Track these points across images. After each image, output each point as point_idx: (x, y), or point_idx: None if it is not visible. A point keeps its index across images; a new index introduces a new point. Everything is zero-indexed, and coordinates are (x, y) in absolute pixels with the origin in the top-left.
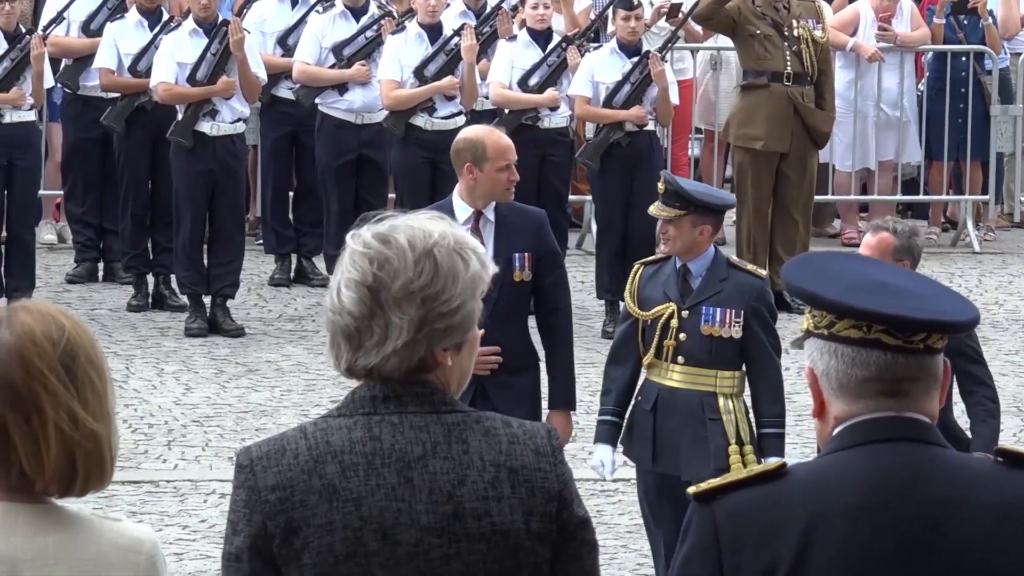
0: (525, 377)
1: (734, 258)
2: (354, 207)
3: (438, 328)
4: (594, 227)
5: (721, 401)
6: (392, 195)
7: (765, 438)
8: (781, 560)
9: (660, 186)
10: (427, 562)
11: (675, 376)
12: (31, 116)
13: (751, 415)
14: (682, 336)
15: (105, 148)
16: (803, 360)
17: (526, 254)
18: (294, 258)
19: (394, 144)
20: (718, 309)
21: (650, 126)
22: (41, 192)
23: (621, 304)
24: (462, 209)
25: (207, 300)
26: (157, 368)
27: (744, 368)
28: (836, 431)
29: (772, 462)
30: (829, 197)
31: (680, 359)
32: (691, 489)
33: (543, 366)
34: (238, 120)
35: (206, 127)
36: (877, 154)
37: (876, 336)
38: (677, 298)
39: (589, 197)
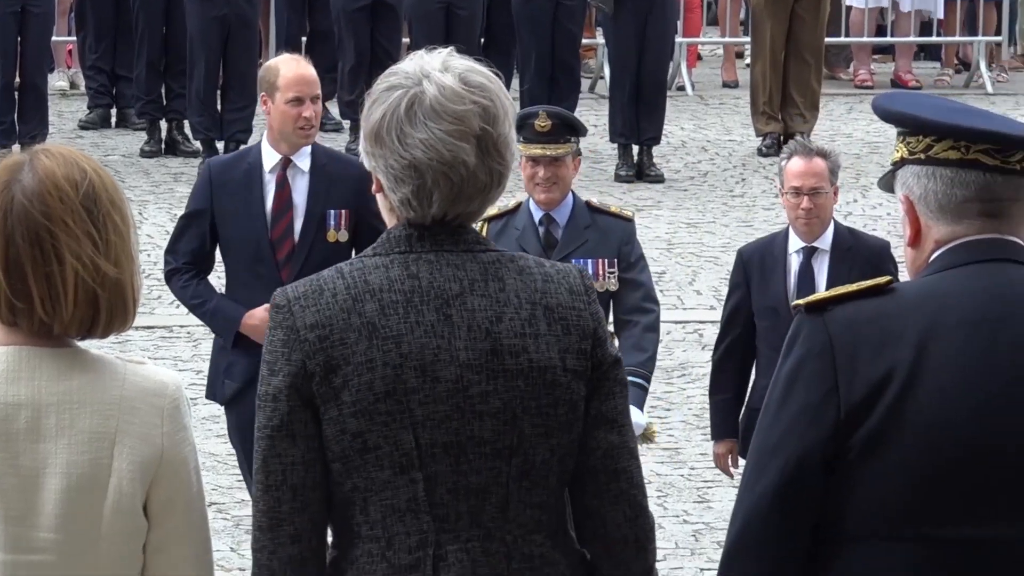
0: None
1: (594, 200)
2: (370, 52)
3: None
4: (607, 71)
5: None
6: (406, 40)
7: None
8: (897, 367)
9: (542, 123)
10: (466, 398)
11: None
12: None
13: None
14: None
15: None
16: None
17: (343, 211)
18: None
19: None
20: (589, 261)
21: None
22: (53, 39)
23: (634, 148)
24: (269, 155)
25: (220, 145)
26: (171, 214)
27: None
28: (937, 253)
29: (879, 278)
30: (843, 39)
31: None
32: (799, 301)
33: None
34: None
35: None
36: None
37: (975, 156)
38: (540, 253)
39: (601, 40)
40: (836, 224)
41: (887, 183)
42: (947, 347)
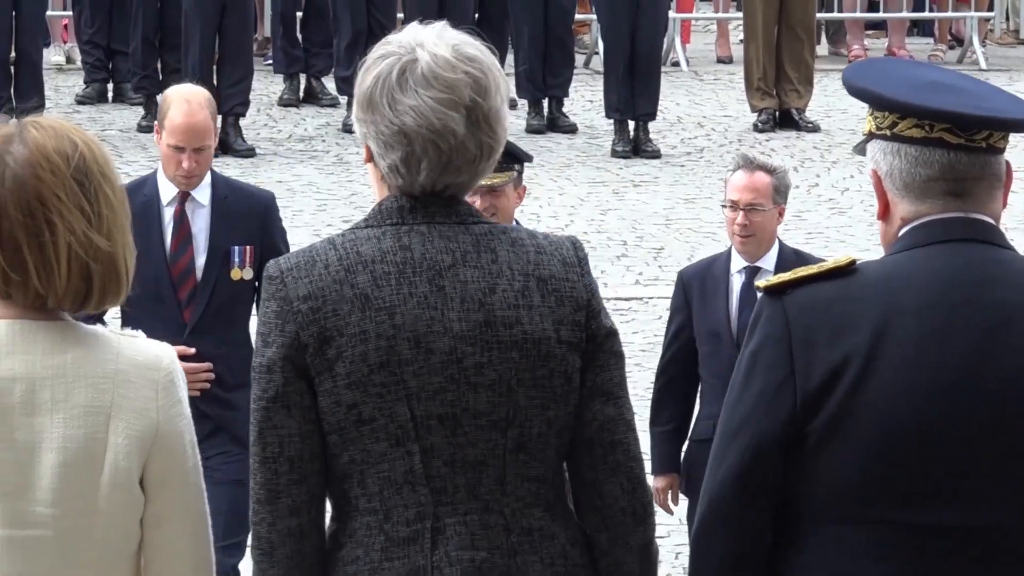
0: (248, 393)
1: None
2: (366, 28)
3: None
4: (600, 47)
5: None
6: (400, 15)
7: None
8: (854, 354)
9: None
10: (460, 370)
11: None
12: None
13: None
14: None
15: None
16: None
17: (247, 247)
18: (303, 78)
19: None
20: None
21: None
22: (48, 13)
23: (630, 124)
24: (165, 187)
25: (217, 120)
26: None
27: None
28: (903, 231)
29: (841, 257)
30: (836, 15)
31: None
32: (760, 283)
33: None
34: None
35: None
36: None
37: (939, 135)
38: None
39: (595, 16)
40: (781, 244)
41: (861, 149)
42: (903, 333)
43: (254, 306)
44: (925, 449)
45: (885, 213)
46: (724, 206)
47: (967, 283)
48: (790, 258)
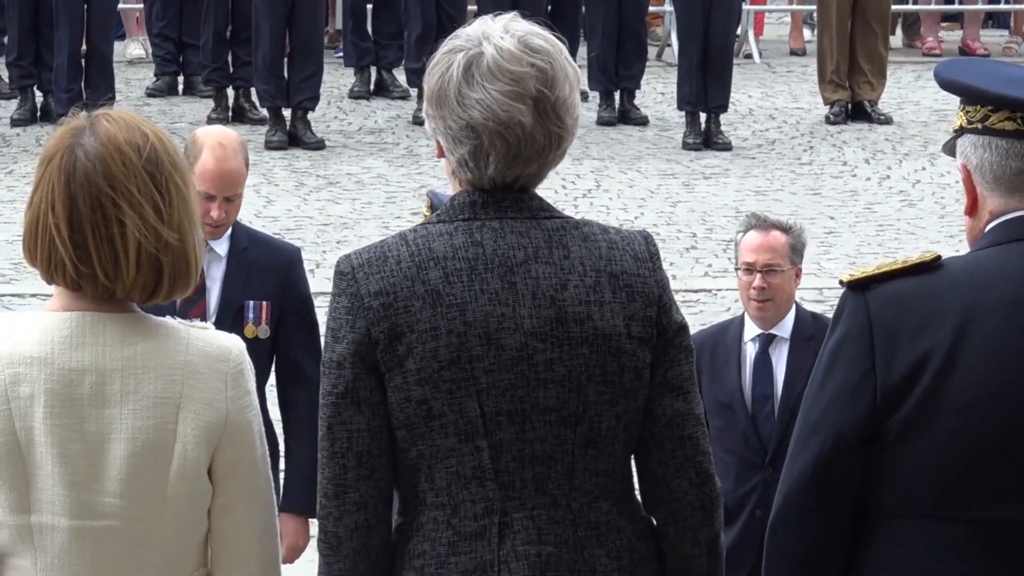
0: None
1: None
2: (436, 20)
3: (575, 135)
4: (674, 39)
5: None
6: (472, 7)
7: None
8: (935, 349)
9: (427, 211)
10: (531, 366)
11: None
12: None
13: None
14: None
15: None
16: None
17: (264, 303)
18: (373, 70)
19: None
20: None
21: None
22: (121, 6)
23: (701, 116)
24: None
25: (287, 113)
26: None
27: None
28: (990, 226)
29: (926, 253)
30: (911, 7)
31: None
32: (844, 277)
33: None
34: None
35: None
36: None
37: None
38: None
39: (669, 8)
40: (798, 309)
41: (950, 148)
42: (986, 328)
43: (272, 367)
44: (1008, 444)
45: (973, 208)
46: (738, 270)
47: None
48: (807, 323)
